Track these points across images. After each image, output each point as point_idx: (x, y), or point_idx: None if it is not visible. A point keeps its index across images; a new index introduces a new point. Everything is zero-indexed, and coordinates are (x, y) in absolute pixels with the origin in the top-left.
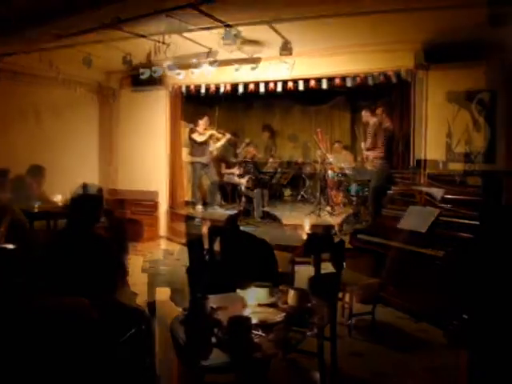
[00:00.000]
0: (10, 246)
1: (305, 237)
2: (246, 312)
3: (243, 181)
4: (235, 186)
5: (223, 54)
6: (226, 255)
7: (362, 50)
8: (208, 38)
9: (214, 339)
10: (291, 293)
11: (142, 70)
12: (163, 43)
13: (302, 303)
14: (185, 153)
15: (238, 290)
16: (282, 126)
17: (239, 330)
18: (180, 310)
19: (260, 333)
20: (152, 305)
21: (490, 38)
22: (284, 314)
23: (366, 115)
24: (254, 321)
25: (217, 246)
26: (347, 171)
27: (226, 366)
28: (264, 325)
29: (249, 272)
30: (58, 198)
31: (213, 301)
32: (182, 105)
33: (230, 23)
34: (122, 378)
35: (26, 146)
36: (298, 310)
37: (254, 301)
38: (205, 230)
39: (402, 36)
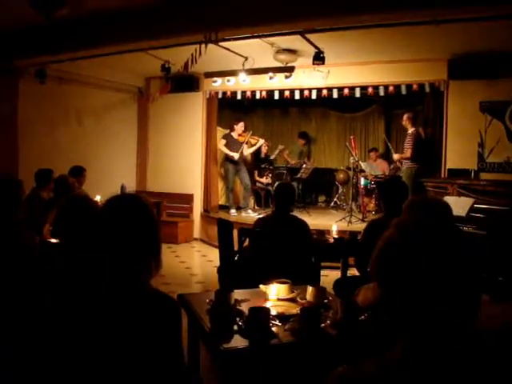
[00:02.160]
0: (54, 241)
1: (331, 241)
2: (267, 305)
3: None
4: (268, 191)
5: (258, 63)
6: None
7: (395, 61)
8: (243, 46)
9: (235, 327)
10: (309, 289)
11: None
12: (200, 53)
13: (319, 299)
14: (219, 157)
15: (261, 286)
16: (317, 133)
17: (258, 318)
18: (207, 301)
19: (277, 323)
20: (182, 297)
21: None
22: (301, 307)
23: (406, 121)
24: (273, 312)
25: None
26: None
27: (245, 349)
28: (281, 316)
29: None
30: (98, 198)
31: (237, 294)
32: (217, 110)
33: (267, 33)
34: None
35: (69, 147)
36: (315, 304)
37: (274, 295)
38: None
39: (435, 47)
